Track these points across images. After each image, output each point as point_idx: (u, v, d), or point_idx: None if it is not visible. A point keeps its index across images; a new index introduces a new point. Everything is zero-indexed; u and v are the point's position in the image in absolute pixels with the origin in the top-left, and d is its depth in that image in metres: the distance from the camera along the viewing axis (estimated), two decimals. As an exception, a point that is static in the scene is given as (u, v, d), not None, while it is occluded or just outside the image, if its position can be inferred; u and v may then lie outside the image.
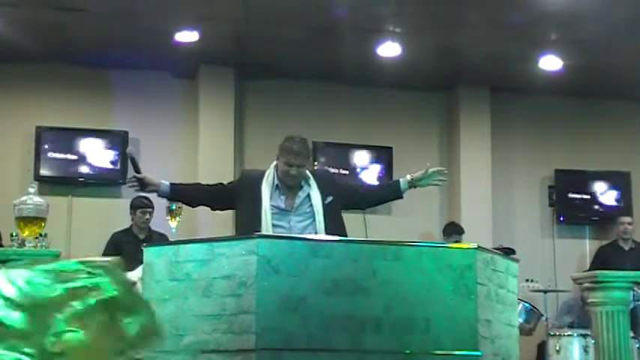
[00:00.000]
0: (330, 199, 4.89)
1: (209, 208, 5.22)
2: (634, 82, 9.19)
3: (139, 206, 7.53)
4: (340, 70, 8.85)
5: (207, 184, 5.16)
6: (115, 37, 8.10)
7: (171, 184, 4.98)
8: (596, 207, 9.66)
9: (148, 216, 7.63)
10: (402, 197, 5.20)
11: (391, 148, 9.34)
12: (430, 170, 4.97)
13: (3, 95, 8.75)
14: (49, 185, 8.44)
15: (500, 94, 9.57)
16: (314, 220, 4.83)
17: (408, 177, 5.03)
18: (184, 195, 5.10)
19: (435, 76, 9.31)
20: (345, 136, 9.26)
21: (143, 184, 4.88)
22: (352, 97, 9.42)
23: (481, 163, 9.42)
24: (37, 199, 5.17)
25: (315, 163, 9.11)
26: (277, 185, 4.87)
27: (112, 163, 8.67)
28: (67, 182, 8.65)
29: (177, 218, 4.62)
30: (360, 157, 9.30)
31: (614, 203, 9.68)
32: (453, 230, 8.77)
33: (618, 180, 9.75)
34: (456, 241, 8.50)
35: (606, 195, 9.69)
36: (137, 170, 4.87)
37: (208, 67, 8.92)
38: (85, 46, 8.37)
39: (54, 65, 8.73)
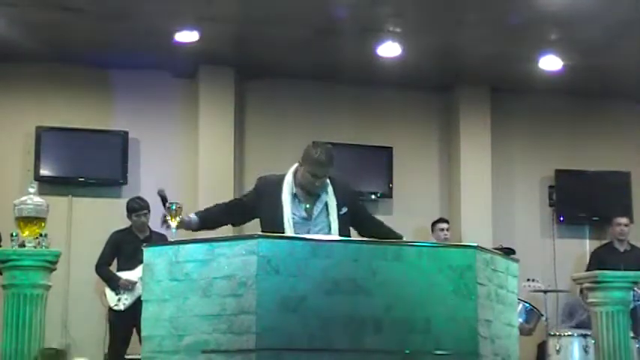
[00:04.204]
0: (345, 210, 4.81)
1: (232, 226, 5.21)
2: (634, 82, 9.19)
3: (134, 210, 7.50)
4: (340, 70, 8.85)
5: (225, 203, 5.05)
6: (115, 37, 8.10)
7: (199, 216, 4.88)
8: (596, 207, 9.64)
9: (143, 218, 7.58)
10: None
11: (391, 148, 9.33)
12: None
13: (3, 95, 8.74)
14: (49, 185, 8.45)
15: (500, 94, 9.57)
16: (330, 230, 4.74)
17: None
18: (211, 222, 4.99)
19: (434, 76, 9.31)
20: (345, 136, 9.24)
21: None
22: (352, 97, 9.42)
23: (481, 163, 9.41)
24: (37, 199, 5.18)
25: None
26: (295, 193, 4.77)
27: (112, 163, 8.66)
28: (67, 182, 8.64)
29: (178, 218, 4.61)
30: (360, 157, 9.28)
31: (614, 203, 9.66)
32: (437, 221, 8.84)
33: (618, 180, 9.73)
34: (441, 229, 8.66)
35: (606, 195, 9.67)
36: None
37: (208, 67, 8.91)
38: (85, 46, 8.37)
39: (54, 65, 8.73)
